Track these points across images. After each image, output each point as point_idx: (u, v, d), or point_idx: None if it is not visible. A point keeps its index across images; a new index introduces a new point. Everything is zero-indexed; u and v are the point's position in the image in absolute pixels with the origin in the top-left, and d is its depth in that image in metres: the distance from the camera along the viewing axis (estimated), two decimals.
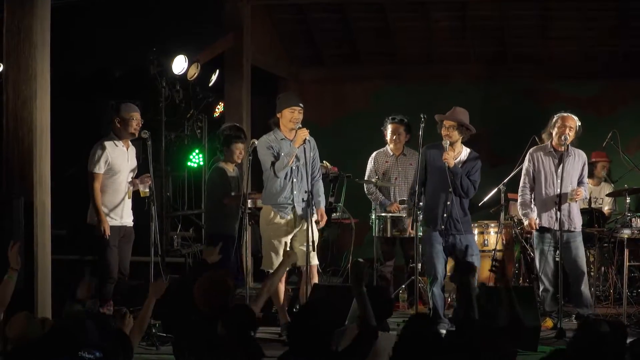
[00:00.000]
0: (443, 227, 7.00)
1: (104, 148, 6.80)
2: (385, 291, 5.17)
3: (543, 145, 7.49)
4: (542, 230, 7.33)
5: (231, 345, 4.25)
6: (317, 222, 7.00)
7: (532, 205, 7.40)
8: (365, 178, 8.40)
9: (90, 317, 4.49)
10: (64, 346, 3.69)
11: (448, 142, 7.03)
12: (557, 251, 7.27)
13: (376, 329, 4.22)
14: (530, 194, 7.44)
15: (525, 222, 7.55)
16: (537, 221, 7.36)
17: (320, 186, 7.13)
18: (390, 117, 8.32)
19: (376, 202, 8.33)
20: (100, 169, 6.77)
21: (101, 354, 3.73)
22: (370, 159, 8.48)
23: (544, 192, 7.32)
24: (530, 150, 7.56)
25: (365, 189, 8.34)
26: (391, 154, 8.39)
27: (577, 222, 7.40)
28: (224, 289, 4.74)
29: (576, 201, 7.30)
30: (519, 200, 7.56)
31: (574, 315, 7.40)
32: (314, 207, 6.93)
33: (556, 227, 7.20)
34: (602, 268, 8.17)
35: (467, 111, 7.14)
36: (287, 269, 6.01)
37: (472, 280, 4.37)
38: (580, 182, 7.36)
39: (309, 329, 4.00)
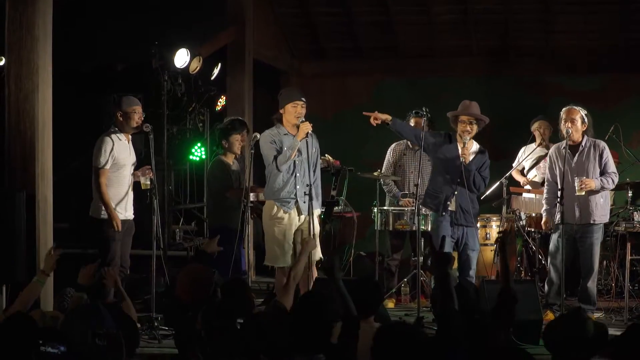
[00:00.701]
0: (444, 213, 7.02)
1: (110, 142, 6.74)
2: (370, 280, 5.15)
3: (559, 143, 7.45)
4: (562, 222, 7.24)
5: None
6: (330, 202, 7.03)
7: (553, 205, 7.31)
8: (383, 169, 8.39)
9: (101, 303, 4.49)
10: (23, 339, 3.68)
11: (468, 137, 7.04)
12: (574, 244, 7.27)
13: (357, 319, 4.14)
14: (552, 193, 7.37)
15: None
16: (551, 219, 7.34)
17: (318, 189, 7.05)
18: (413, 111, 8.24)
19: (390, 194, 8.36)
20: (107, 164, 6.72)
21: (65, 349, 3.73)
22: (389, 150, 8.47)
23: (560, 188, 7.27)
24: (551, 148, 7.54)
25: (381, 180, 8.36)
26: (410, 147, 8.34)
27: (599, 215, 7.25)
28: (206, 282, 4.78)
29: (598, 192, 7.17)
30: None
31: None
32: (316, 201, 6.92)
33: (574, 220, 7.19)
34: (604, 262, 8.15)
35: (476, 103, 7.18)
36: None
37: (450, 271, 4.28)
38: (602, 173, 7.24)
39: (312, 318, 3.97)
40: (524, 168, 8.70)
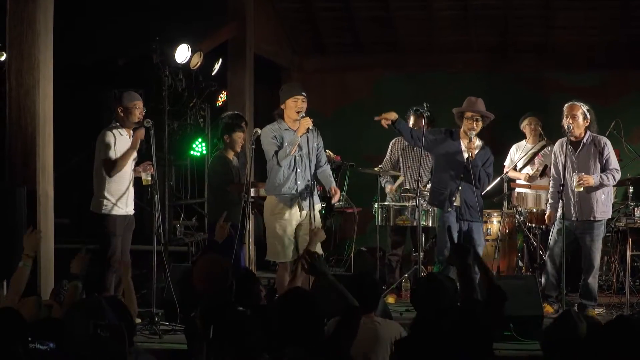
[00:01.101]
0: (450, 209, 7.00)
1: (112, 136, 6.73)
2: (367, 275, 5.14)
3: (563, 139, 7.38)
4: (563, 218, 7.20)
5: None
6: (330, 197, 6.95)
7: (557, 200, 7.24)
8: (382, 164, 8.39)
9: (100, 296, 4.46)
10: (10, 334, 3.67)
11: (474, 134, 7.02)
12: (573, 240, 7.23)
13: (358, 309, 4.14)
14: (556, 187, 7.29)
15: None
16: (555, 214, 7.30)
17: (328, 170, 7.08)
18: (413, 108, 8.22)
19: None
20: (114, 154, 6.69)
21: (54, 345, 3.72)
22: (389, 145, 8.48)
23: (561, 183, 7.24)
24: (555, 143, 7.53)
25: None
26: (407, 142, 8.22)
27: (600, 211, 7.18)
28: (220, 270, 4.78)
29: (598, 188, 7.11)
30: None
31: (575, 305, 7.32)
32: (318, 196, 6.92)
33: (573, 217, 7.15)
34: (605, 257, 8.10)
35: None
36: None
37: (471, 262, 4.28)
38: (603, 169, 7.17)
39: (299, 313, 3.91)
40: (516, 166, 8.63)
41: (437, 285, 4.37)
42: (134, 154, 6.91)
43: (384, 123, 7.04)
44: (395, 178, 8.39)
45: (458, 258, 4.26)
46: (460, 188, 7.03)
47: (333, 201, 7.06)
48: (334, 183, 7.05)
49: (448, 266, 6.58)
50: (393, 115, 7.04)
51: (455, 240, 6.76)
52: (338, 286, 4.24)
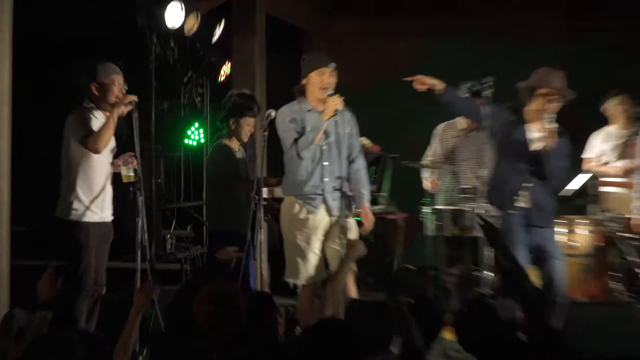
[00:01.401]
0: (514, 211, 6.84)
1: (85, 116, 6.63)
2: (431, 304, 5.14)
3: None
4: None
5: None
6: (360, 224, 6.86)
7: None
8: (430, 155, 8.40)
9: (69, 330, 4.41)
10: None
11: (549, 116, 6.80)
12: None
13: (422, 351, 4.16)
14: None
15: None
16: None
17: (362, 172, 6.97)
18: (466, 85, 8.05)
19: None
20: (94, 128, 6.59)
21: None
22: (434, 132, 8.39)
23: None
24: None
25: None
26: (461, 128, 8.23)
27: None
28: (231, 304, 4.71)
29: None
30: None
31: None
32: (351, 199, 6.80)
33: None
34: None
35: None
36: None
37: (529, 284, 4.39)
38: None
39: (333, 352, 3.83)
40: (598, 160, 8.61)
41: (486, 312, 4.34)
42: (113, 144, 6.82)
43: (418, 86, 6.88)
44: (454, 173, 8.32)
45: (515, 287, 4.35)
46: (527, 185, 6.85)
47: (363, 231, 6.92)
48: (366, 197, 6.94)
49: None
50: (434, 82, 6.86)
51: (527, 254, 6.73)
52: (407, 315, 4.23)
